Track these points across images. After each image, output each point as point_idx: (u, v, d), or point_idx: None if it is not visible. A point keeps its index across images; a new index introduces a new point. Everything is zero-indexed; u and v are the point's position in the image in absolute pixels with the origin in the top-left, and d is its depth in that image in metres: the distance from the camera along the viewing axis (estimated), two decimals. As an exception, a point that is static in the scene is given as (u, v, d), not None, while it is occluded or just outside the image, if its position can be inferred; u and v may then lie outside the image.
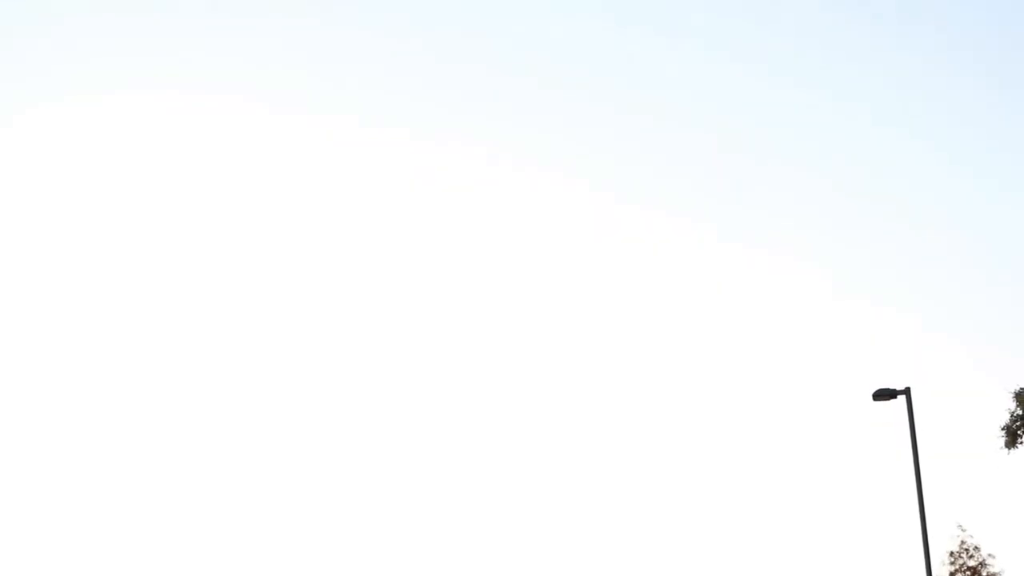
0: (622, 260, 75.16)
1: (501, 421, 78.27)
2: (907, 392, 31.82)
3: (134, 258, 71.32)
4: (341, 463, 76.61)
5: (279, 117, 73.21)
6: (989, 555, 44.67)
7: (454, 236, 75.28)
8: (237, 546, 74.07)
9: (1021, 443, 28.18)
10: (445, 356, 77.41)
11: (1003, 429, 28.24)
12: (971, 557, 44.65)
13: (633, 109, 75.08)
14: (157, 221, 71.94)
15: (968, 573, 44.44)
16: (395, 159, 73.69)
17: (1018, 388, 27.61)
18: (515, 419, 78.34)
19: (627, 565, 73.36)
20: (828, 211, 74.61)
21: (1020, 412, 27.76)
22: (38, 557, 66.67)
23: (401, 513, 77.54)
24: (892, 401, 32.13)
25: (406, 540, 76.37)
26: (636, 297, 76.90)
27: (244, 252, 74.82)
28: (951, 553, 44.72)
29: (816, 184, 74.43)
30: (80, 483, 69.86)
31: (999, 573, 44.34)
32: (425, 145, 73.78)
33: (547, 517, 76.09)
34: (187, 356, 72.80)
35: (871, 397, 31.70)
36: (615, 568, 72.11)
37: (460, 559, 70.88)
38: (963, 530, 45.07)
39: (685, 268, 76.90)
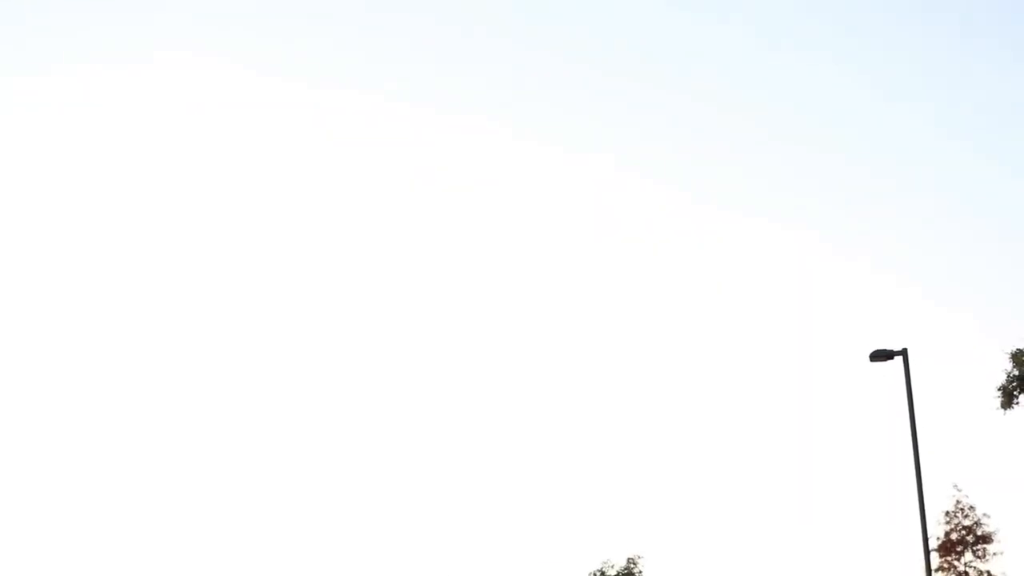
0: (624, 230, 75.05)
1: (502, 416, 78.30)
2: (904, 353, 31.82)
3: (127, 249, 71.13)
4: (340, 459, 76.66)
5: (285, 94, 72.91)
6: (984, 515, 44.77)
7: (457, 228, 75.07)
8: (236, 541, 74.25)
9: (1017, 403, 28.19)
10: (446, 346, 77.38)
11: (999, 390, 28.24)
12: (966, 517, 44.76)
13: (638, 79, 74.76)
14: (153, 215, 71.68)
15: (963, 532, 44.57)
16: (398, 159, 73.36)
17: (1015, 349, 27.58)
18: (516, 411, 78.42)
19: (632, 534, 73.64)
20: (826, 175, 74.43)
21: (1016, 373, 27.75)
22: (38, 555, 66.82)
23: (400, 509, 77.69)
24: (889, 362, 32.13)
25: (405, 536, 76.59)
26: (633, 263, 76.83)
27: (246, 241, 74.60)
28: (946, 513, 44.84)
29: (814, 149, 74.24)
30: (78, 480, 69.93)
31: (994, 532, 44.49)
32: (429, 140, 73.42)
33: (547, 504, 76.26)
34: (185, 349, 72.74)
35: (868, 358, 31.69)
36: (621, 541, 72.40)
37: (460, 556, 71.07)
38: (959, 490, 45.16)
39: (684, 234, 76.83)
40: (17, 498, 64.64)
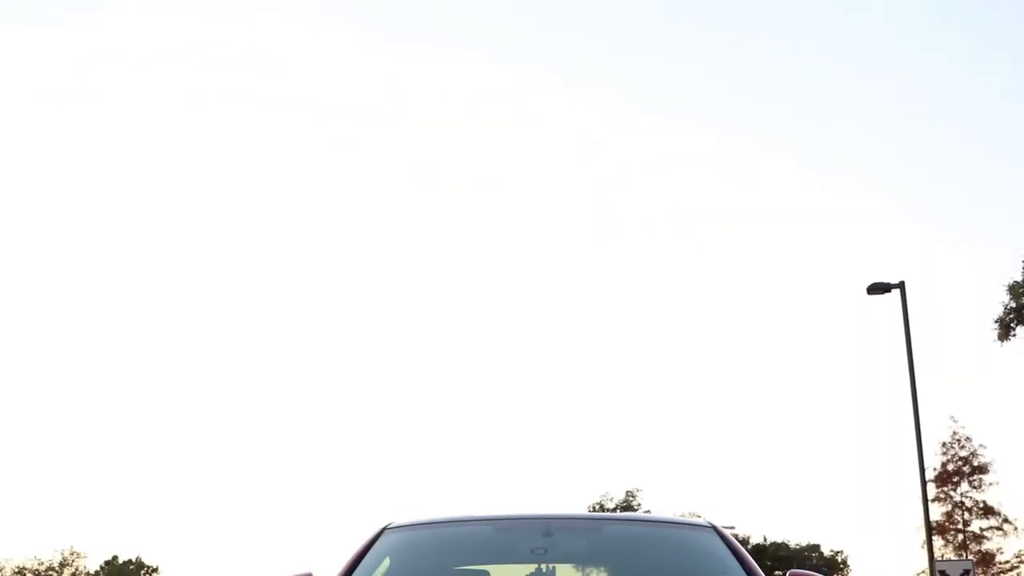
0: (626, 170, 74.81)
1: (509, 355, 78.52)
2: (901, 286, 31.84)
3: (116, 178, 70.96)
4: (347, 411, 76.99)
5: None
6: (980, 445, 45.17)
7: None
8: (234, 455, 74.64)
9: (1014, 335, 28.27)
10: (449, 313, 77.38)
11: (996, 322, 28.30)
12: (963, 448, 45.15)
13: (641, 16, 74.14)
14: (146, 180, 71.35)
15: (959, 463, 44.96)
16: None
17: (1012, 281, 27.62)
18: (521, 351, 78.50)
19: (631, 468, 74.28)
20: (823, 108, 74.02)
21: (1013, 305, 27.80)
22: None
23: (406, 443, 78.19)
24: (886, 295, 32.14)
25: (410, 467, 76.97)
26: (634, 193, 76.67)
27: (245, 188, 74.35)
28: (943, 444, 45.22)
29: (811, 80, 73.73)
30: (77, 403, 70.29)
31: (990, 463, 44.88)
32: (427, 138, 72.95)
33: (549, 440, 76.77)
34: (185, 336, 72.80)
35: (865, 291, 31.70)
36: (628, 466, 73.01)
37: (463, 489, 71.47)
38: (955, 421, 45.51)
39: (681, 168, 76.57)
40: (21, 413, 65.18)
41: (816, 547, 63.57)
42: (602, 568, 5.28)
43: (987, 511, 44.50)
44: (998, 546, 45.13)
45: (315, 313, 77.99)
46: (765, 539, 59.71)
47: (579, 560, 5.42)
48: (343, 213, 76.44)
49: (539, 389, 78.59)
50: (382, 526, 5.28)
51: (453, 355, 78.24)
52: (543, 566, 5.13)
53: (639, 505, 47.71)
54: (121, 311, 73.16)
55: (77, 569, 48.91)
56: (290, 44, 71.86)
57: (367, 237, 77.41)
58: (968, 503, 44.71)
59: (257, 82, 72.39)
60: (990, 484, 44.69)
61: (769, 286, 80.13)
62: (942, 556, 40.19)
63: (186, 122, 72.88)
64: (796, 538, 63.32)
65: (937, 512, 43.42)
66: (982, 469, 44.68)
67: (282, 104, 73.61)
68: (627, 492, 48.91)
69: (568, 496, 69.28)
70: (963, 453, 44.90)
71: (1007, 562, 45.97)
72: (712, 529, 5.27)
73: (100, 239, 73.65)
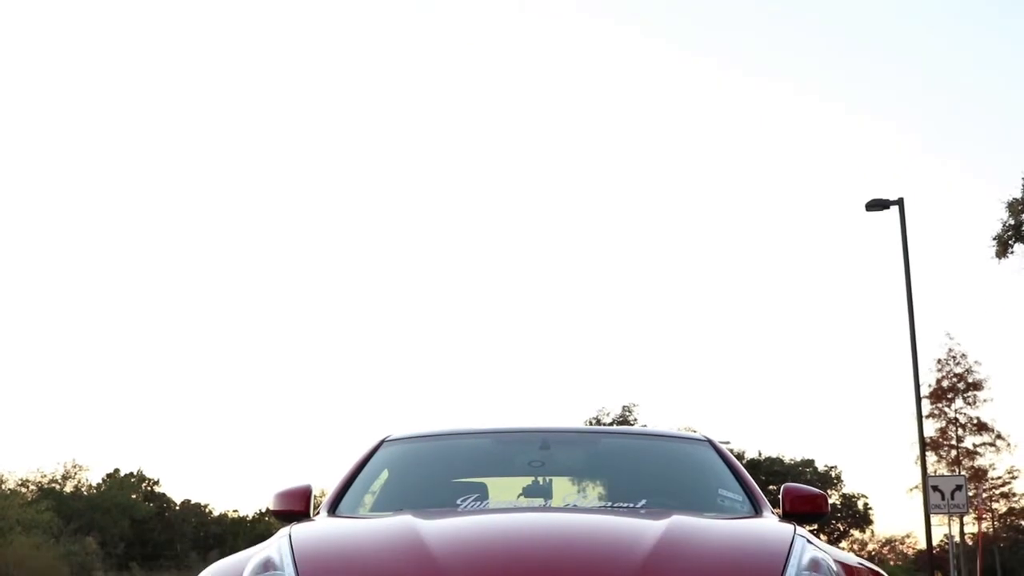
0: (626, 83, 74.25)
1: (506, 269, 78.49)
2: (900, 203, 31.78)
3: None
4: (343, 305, 77.07)
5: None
6: (975, 362, 45.41)
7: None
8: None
9: (1012, 253, 28.26)
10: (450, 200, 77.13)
11: (994, 239, 28.28)
12: (958, 364, 45.39)
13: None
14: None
15: (954, 380, 45.24)
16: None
17: (1011, 198, 27.56)
18: (519, 264, 78.45)
19: (627, 384, 74.75)
20: (823, 25, 73.32)
21: (1012, 222, 27.76)
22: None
23: (404, 359, 78.42)
24: (885, 212, 32.10)
25: (410, 381, 77.27)
26: (636, 114, 76.22)
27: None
28: (938, 360, 45.46)
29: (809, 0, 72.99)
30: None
31: (984, 380, 45.15)
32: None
33: (547, 355, 77.05)
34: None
35: (864, 208, 31.64)
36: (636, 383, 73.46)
37: (460, 404, 71.82)
38: (951, 338, 45.70)
39: (681, 87, 76.01)
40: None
41: (810, 462, 64.18)
42: (598, 480, 5.33)
43: (981, 427, 44.86)
44: (991, 462, 45.61)
45: (317, 227, 77.98)
46: (760, 454, 60.25)
47: (576, 472, 5.47)
48: (344, 133, 76.08)
49: (537, 305, 78.81)
50: (381, 438, 5.32)
51: (453, 270, 78.42)
52: (540, 479, 5.18)
53: (635, 420, 48.06)
54: (126, 223, 73.13)
55: (80, 482, 49.38)
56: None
57: (369, 154, 77.16)
58: (962, 419, 45.07)
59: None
60: (984, 401, 45.03)
61: (768, 202, 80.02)
62: (935, 472, 40.63)
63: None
64: (790, 453, 63.92)
65: (931, 428, 43.79)
66: (976, 386, 44.97)
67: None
68: (623, 407, 49.25)
69: (565, 411, 69.84)
70: (958, 370, 45.16)
71: (999, 478, 46.49)
72: (708, 443, 5.31)
73: (106, 157, 73.37)
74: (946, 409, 45.14)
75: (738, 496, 4.74)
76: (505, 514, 4.31)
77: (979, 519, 45.14)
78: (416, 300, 78.39)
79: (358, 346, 78.56)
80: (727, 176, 78.72)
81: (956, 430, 45.03)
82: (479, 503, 4.63)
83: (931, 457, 42.78)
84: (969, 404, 45.02)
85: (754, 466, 54.92)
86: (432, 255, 78.12)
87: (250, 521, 54.51)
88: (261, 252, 77.29)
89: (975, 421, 44.93)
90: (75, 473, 49.29)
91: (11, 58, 68.22)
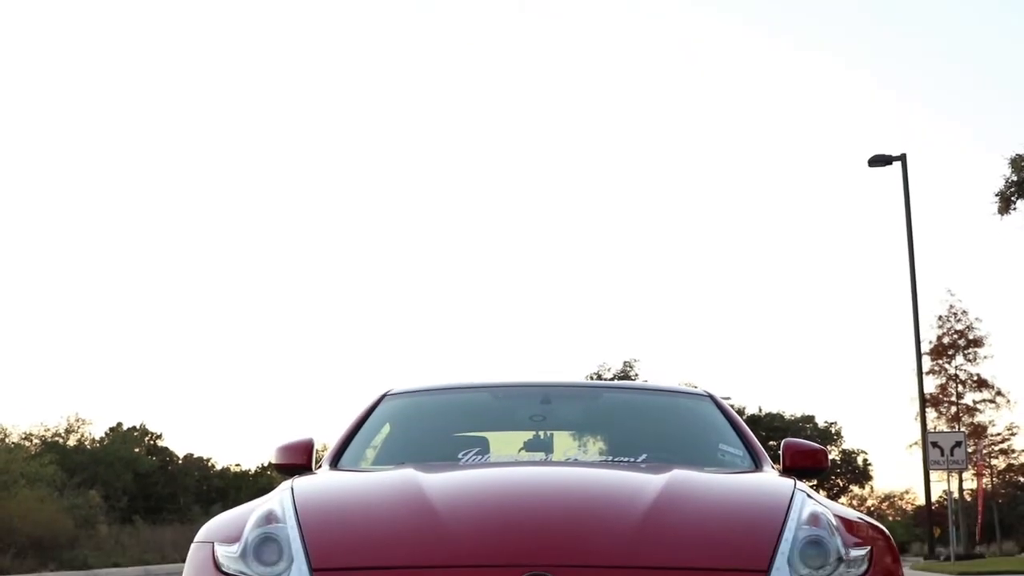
0: (625, 39, 73.85)
1: (508, 223, 78.39)
2: (902, 158, 31.69)
3: None
4: (346, 255, 77.01)
5: None
6: (976, 319, 45.44)
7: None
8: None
9: (1015, 209, 28.14)
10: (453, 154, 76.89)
11: (997, 195, 28.15)
12: (959, 321, 45.42)
13: None
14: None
15: (955, 336, 45.29)
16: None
17: (1014, 154, 27.40)
18: (521, 218, 78.33)
19: (629, 339, 74.81)
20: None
21: (1015, 178, 27.62)
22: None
23: (407, 310, 78.44)
24: (887, 167, 32.03)
25: (410, 335, 77.36)
26: (636, 68, 75.89)
27: None
28: (939, 317, 45.49)
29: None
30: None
31: (985, 336, 45.20)
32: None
33: (548, 310, 77.09)
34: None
35: (866, 163, 31.57)
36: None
37: (462, 357, 71.99)
38: (952, 295, 45.71)
39: (684, 43, 75.61)
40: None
41: (810, 418, 64.38)
42: (599, 434, 5.35)
43: (981, 384, 44.95)
44: (990, 419, 45.75)
45: (318, 182, 77.80)
46: (760, 410, 60.43)
47: (577, 427, 5.49)
48: (344, 100, 75.73)
49: (539, 259, 78.81)
50: (382, 392, 5.33)
51: (455, 225, 78.29)
52: (541, 433, 5.20)
53: (636, 376, 48.11)
54: (127, 177, 72.93)
55: (83, 435, 49.52)
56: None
57: (369, 118, 76.82)
58: (962, 376, 45.16)
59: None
60: (984, 357, 45.09)
61: (770, 158, 79.83)
62: (935, 428, 40.75)
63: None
64: (791, 409, 64.15)
65: (931, 385, 43.86)
66: (977, 342, 45.01)
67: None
68: (624, 362, 49.31)
69: (566, 366, 69.95)
70: (959, 327, 45.19)
71: (999, 434, 46.64)
72: (709, 398, 5.32)
73: (110, 117, 73.06)
74: (946, 366, 45.22)
75: (738, 451, 4.75)
76: (506, 468, 4.33)
77: (978, 475, 45.38)
78: (419, 254, 78.34)
79: (360, 300, 78.67)
80: (729, 133, 78.50)
81: (956, 387, 45.13)
82: (480, 457, 4.65)
83: (931, 413, 42.90)
84: (969, 361, 45.10)
85: (755, 422, 55.09)
86: (435, 209, 78.03)
87: (252, 475, 54.73)
88: (263, 204, 77.22)
89: (975, 378, 45.02)
90: (78, 427, 49.42)
91: (12, 48, 67.84)
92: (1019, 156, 27.44)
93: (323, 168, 77.14)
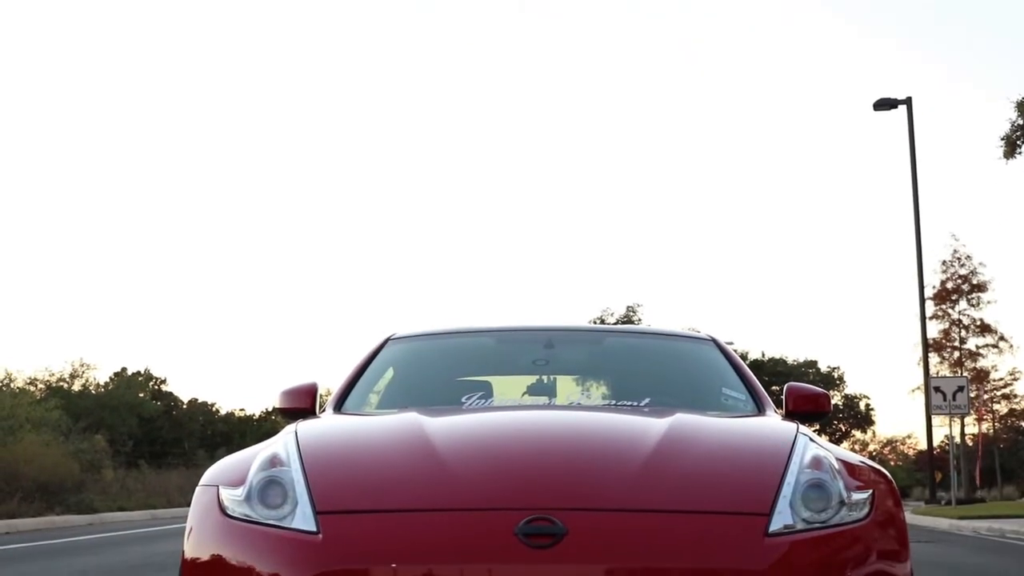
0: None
1: (511, 169, 78.13)
2: (908, 102, 31.53)
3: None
4: (347, 205, 76.89)
5: None
6: (980, 264, 45.37)
7: None
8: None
9: (1020, 153, 28.02)
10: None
11: (1003, 139, 28.02)
12: (962, 266, 45.36)
13: None
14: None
15: (959, 281, 45.24)
16: None
17: (1021, 98, 27.24)
18: (526, 164, 78.07)
19: (632, 284, 74.90)
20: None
21: (1021, 122, 27.48)
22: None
23: (411, 255, 78.40)
24: (893, 111, 31.88)
25: (412, 282, 77.40)
26: (641, 19, 75.38)
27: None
28: (943, 262, 45.43)
29: None
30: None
31: (988, 281, 45.16)
32: None
33: (551, 254, 77.03)
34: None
35: (872, 107, 31.40)
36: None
37: (466, 302, 72.08)
38: (956, 239, 45.64)
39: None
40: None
41: (813, 363, 64.51)
42: (602, 379, 5.35)
43: (984, 329, 44.94)
44: (993, 364, 45.78)
45: (323, 127, 77.57)
46: (763, 355, 60.54)
47: (580, 371, 5.49)
48: (348, 58, 75.33)
49: (542, 204, 78.70)
50: (386, 336, 5.33)
51: (459, 171, 78.17)
52: (544, 377, 5.20)
53: (639, 320, 48.19)
54: (134, 124, 72.76)
55: (87, 380, 49.68)
56: None
57: (374, 49, 76.45)
58: (965, 321, 45.13)
59: None
60: (988, 303, 45.05)
61: (775, 102, 79.44)
62: (937, 373, 40.84)
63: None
64: (794, 354, 64.27)
65: (934, 329, 43.88)
66: (981, 287, 44.96)
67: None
68: (628, 307, 49.37)
69: (570, 310, 70.07)
70: (963, 271, 45.11)
71: (1001, 379, 46.68)
72: (712, 342, 5.32)
73: (115, 73, 72.73)
74: (949, 311, 45.18)
75: (741, 395, 4.76)
76: (509, 412, 4.34)
77: (980, 420, 45.51)
78: (422, 199, 78.26)
79: (363, 245, 78.71)
80: (735, 77, 78.07)
81: (959, 331, 45.13)
82: (483, 401, 4.66)
83: (934, 358, 42.94)
84: (973, 306, 45.06)
85: (758, 367, 55.23)
86: (439, 156, 77.86)
87: (256, 420, 54.97)
88: (267, 149, 77.09)
89: (978, 323, 45.00)
90: (83, 372, 49.59)
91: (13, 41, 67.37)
92: (1025, 100, 27.30)
93: (333, 118, 76.89)
